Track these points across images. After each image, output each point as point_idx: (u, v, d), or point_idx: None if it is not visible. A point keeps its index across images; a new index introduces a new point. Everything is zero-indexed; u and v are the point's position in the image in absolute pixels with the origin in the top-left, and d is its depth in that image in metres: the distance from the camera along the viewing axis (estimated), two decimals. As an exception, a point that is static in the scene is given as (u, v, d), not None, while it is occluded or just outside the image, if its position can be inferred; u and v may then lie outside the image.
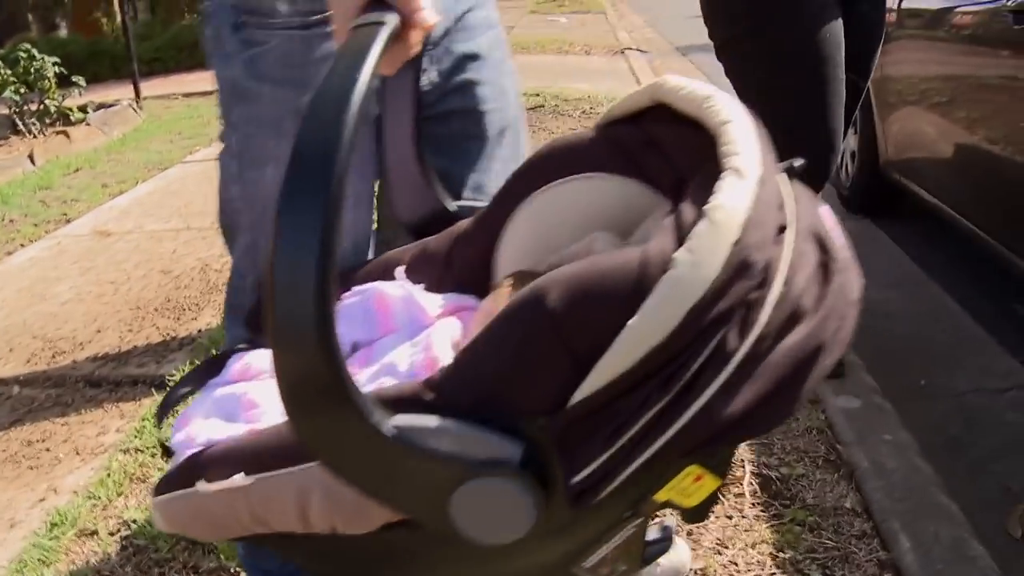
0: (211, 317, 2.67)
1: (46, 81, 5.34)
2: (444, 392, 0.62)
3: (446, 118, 1.10)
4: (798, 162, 0.72)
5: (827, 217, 0.70)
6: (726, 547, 1.54)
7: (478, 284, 0.92)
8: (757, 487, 1.70)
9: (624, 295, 0.57)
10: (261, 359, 0.88)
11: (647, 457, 0.60)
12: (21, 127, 5.31)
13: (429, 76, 1.08)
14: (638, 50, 7.70)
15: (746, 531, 1.58)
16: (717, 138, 0.66)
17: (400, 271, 0.94)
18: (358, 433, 0.56)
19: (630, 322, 0.56)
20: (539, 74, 6.16)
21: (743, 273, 0.58)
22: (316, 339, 0.51)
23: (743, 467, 1.75)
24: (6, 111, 5.35)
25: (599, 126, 0.88)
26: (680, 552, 1.45)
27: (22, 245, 3.53)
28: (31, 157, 4.85)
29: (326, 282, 0.51)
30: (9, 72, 5.21)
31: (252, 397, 0.80)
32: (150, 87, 6.48)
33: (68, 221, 3.80)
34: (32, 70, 5.29)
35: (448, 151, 1.10)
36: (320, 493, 0.65)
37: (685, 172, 0.78)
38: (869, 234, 3.16)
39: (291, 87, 0.97)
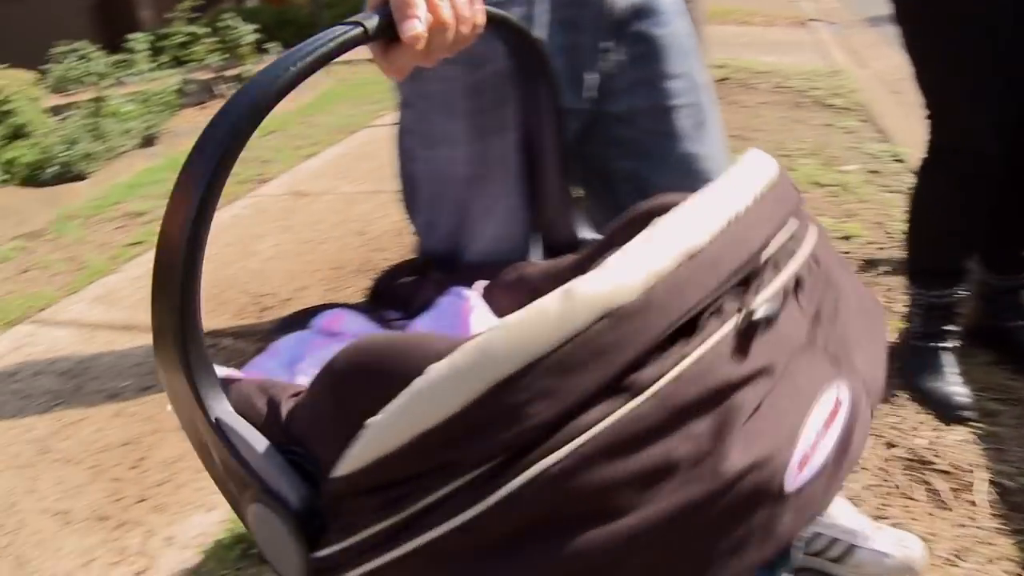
0: (406, 281, 2.73)
1: (244, 48, 5.65)
2: (291, 412, 0.61)
3: (632, 118, 1.04)
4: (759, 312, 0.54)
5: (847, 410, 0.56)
6: (962, 559, 1.42)
7: None
8: (993, 496, 1.57)
9: (385, 383, 0.49)
10: (351, 322, 0.90)
11: (372, 568, 0.53)
12: (218, 91, 5.64)
13: (617, 56, 1.02)
14: (824, 21, 7.28)
15: (983, 543, 1.46)
16: None
17: (479, 285, 0.92)
18: (186, 399, 0.59)
19: (371, 419, 0.49)
20: (721, 46, 5.92)
21: (502, 419, 0.46)
22: (176, 296, 0.55)
23: (973, 472, 1.62)
24: (206, 77, 5.69)
25: None
26: (914, 548, 1.37)
27: (226, 202, 3.74)
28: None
29: (193, 273, 0.55)
30: (214, 40, 5.55)
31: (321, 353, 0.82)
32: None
33: (265, 181, 4.01)
34: (232, 38, 5.61)
35: (637, 153, 1.05)
36: None
37: None
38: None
39: (460, 64, 0.89)
